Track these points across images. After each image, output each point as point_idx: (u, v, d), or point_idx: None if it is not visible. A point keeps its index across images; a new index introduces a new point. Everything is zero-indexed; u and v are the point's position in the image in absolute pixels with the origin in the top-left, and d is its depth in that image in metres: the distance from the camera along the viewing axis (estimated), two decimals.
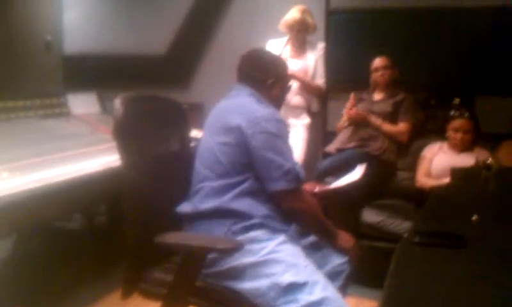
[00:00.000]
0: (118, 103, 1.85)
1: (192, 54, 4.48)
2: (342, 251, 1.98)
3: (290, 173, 1.80)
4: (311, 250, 1.95)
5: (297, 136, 3.73)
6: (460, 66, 3.67)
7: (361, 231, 3.07)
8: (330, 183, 2.43)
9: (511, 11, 3.51)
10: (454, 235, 1.38)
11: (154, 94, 2.16)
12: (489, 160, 2.29)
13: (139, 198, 1.82)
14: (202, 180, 1.90)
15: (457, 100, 3.41)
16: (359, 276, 2.14)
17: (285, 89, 2.11)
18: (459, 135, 3.20)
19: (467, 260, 1.25)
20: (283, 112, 3.40)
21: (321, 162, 3.51)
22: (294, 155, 3.51)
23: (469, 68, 3.65)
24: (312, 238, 1.99)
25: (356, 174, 2.30)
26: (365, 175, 2.55)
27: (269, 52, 2.23)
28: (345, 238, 2.00)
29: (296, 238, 1.90)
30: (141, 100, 2.04)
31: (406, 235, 1.43)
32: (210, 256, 1.73)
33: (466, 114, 3.25)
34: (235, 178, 1.82)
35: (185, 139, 2.15)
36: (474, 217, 1.54)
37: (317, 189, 2.18)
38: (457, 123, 3.23)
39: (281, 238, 1.81)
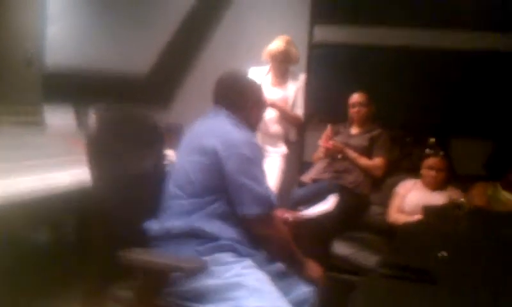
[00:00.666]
0: (92, 117, 1.83)
1: (174, 76, 4.48)
2: (308, 280, 1.96)
3: (263, 199, 1.79)
4: (277, 277, 1.91)
5: (274, 164, 3.73)
6: (436, 106, 3.73)
7: (331, 263, 3.05)
8: (302, 211, 2.42)
9: (488, 55, 3.61)
10: (421, 270, 1.37)
11: (131, 111, 2.14)
12: (462, 200, 2.32)
13: (106, 214, 1.79)
14: (172, 198, 1.87)
15: (432, 140, 3.46)
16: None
17: (261, 114, 2.11)
18: (432, 173, 3.23)
19: (433, 296, 1.24)
20: (260, 139, 3.44)
21: (296, 191, 3.50)
22: (269, 182, 3.60)
23: (445, 109, 3.71)
24: (278, 266, 1.96)
25: (328, 204, 2.30)
26: (338, 207, 2.56)
27: (245, 76, 2.23)
28: (313, 268, 1.99)
29: (262, 264, 1.87)
30: (116, 115, 2.02)
31: (374, 267, 1.41)
32: (174, 275, 1.69)
33: (441, 153, 3.29)
34: (206, 199, 1.80)
35: (159, 158, 2.12)
36: (442, 254, 1.54)
37: (288, 217, 2.17)
38: (431, 161, 3.26)
39: (247, 262, 1.79)
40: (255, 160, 1.84)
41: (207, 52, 4.35)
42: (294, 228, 2.20)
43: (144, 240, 1.87)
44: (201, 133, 1.93)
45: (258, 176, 1.83)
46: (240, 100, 2.00)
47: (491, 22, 3.60)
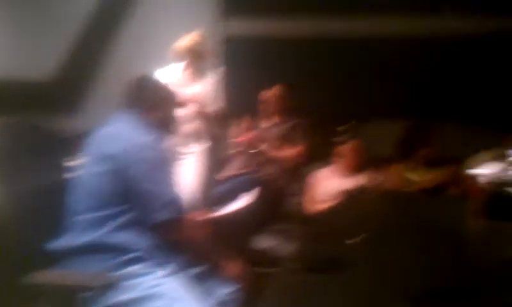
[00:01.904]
0: None
1: (81, 80, 4.29)
2: (229, 279, 1.94)
3: (171, 203, 1.75)
4: (197, 281, 1.89)
5: (192, 163, 3.68)
6: (349, 92, 3.83)
7: (254, 258, 3.06)
8: (220, 210, 2.41)
9: (395, 41, 3.75)
10: (333, 260, 1.39)
11: (30, 123, 2.03)
12: (374, 184, 2.38)
13: (7, 233, 1.68)
14: (78, 212, 1.79)
15: (346, 126, 3.55)
16: (251, 303, 2.11)
17: (168, 116, 2.05)
18: (347, 159, 3.31)
19: (344, 285, 1.26)
20: (178, 138, 3.38)
21: (216, 188, 3.48)
22: (189, 182, 3.55)
23: (357, 94, 3.82)
24: (198, 269, 1.93)
25: (245, 200, 2.29)
26: (257, 201, 2.56)
27: (152, 78, 2.17)
28: (233, 267, 1.97)
29: (180, 270, 1.84)
30: (15, 128, 1.91)
31: (286, 262, 1.41)
32: (84, 294, 1.62)
33: (354, 139, 3.38)
34: (113, 210, 1.73)
35: (62, 170, 2.02)
36: (355, 240, 1.56)
37: (203, 217, 2.14)
38: (345, 147, 3.34)
39: (163, 271, 1.74)
40: (160, 164, 1.79)
41: (116, 55, 4.21)
42: (211, 227, 2.17)
43: (51, 260, 1.77)
44: (103, 140, 1.85)
45: (165, 180, 1.78)
46: (143, 102, 1.94)
47: (391, 8, 3.74)
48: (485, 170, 2.08)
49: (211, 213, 2.28)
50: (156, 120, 1.96)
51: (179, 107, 2.17)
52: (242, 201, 2.33)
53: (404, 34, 3.77)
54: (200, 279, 1.92)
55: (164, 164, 1.82)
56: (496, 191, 1.88)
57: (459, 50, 3.74)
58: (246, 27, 3.95)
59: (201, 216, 2.15)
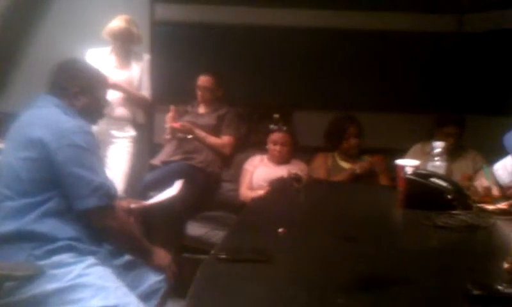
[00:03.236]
0: None
1: (5, 62, 4.06)
2: (157, 269, 1.92)
3: (101, 189, 1.70)
4: (125, 270, 1.87)
5: (122, 149, 3.60)
6: (280, 82, 3.88)
7: (185, 245, 3.06)
8: (149, 198, 2.38)
9: (328, 32, 3.83)
10: (259, 250, 1.39)
11: None
12: (299, 172, 2.42)
13: None
14: (0, 200, 1.71)
15: (276, 115, 3.59)
16: (183, 291, 2.10)
17: (96, 100, 1.98)
18: (277, 148, 3.36)
19: (270, 276, 1.27)
20: (105, 124, 3.28)
21: (146, 175, 3.43)
22: (120, 167, 3.48)
23: (288, 84, 3.87)
24: (126, 258, 1.91)
25: (174, 189, 2.27)
26: (189, 187, 2.53)
27: (80, 61, 2.09)
28: (161, 256, 1.95)
29: (107, 259, 1.81)
30: None
31: (212, 252, 1.40)
32: (8, 284, 1.56)
33: (284, 128, 3.43)
34: (38, 197, 1.67)
35: None
36: (281, 230, 1.57)
37: (133, 206, 2.11)
38: (276, 136, 3.39)
39: (90, 260, 1.70)
40: (88, 149, 1.74)
41: (41, 36, 4.01)
42: (141, 215, 2.15)
43: None
44: (28, 125, 1.77)
45: (94, 165, 1.73)
46: (69, 86, 1.87)
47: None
48: (412, 161, 2.17)
49: (142, 201, 2.25)
50: (85, 104, 1.90)
51: (108, 91, 2.10)
52: (168, 191, 2.30)
53: (331, 25, 3.86)
54: (128, 267, 1.89)
55: (94, 149, 1.77)
56: (418, 182, 1.97)
57: (390, 42, 3.87)
58: (174, 11, 3.89)
59: (132, 204, 2.12)
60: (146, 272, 1.91)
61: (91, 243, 1.74)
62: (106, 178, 1.77)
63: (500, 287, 1.15)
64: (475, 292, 1.13)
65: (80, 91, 1.89)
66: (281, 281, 1.24)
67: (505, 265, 1.25)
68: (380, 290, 1.21)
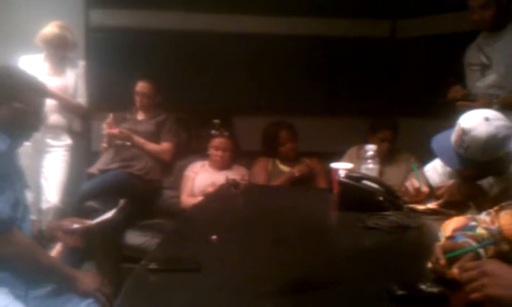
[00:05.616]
0: None
1: None
2: (84, 295, 1.71)
3: None
4: (51, 298, 1.70)
5: (58, 158, 3.51)
6: (218, 88, 3.88)
7: (125, 254, 3.00)
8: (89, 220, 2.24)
9: (263, 38, 3.87)
10: (190, 259, 1.38)
11: None
12: (237, 178, 2.43)
13: None
14: None
15: (217, 120, 3.58)
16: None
17: (18, 110, 1.78)
18: (219, 153, 3.34)
19: (200, 285, 1.25)
20: (40, 132, 3.15)
21: (83, 184, 3.34)
22: (55, 178, 3.37)
23: (226, 90, 3.88)
24: (46, 289, 1.72)
25: (112, 211, 2.16)
26: (128, 196, 2.42)
27: (9, 67, 1.94)
28: (87, 281, 1.74)
29: (26, 292, 1.65)
30: None
31: (141, 263, 1.38)
32: None
33: (226, 133, 3.42)
34: None
35: None
36: (214, 237, 1.56)
37: (75, 226, 1.98)
38: (217, 141, 3.37)
39: (3, 294, 1.56)
40: None
41: None
42: (83, 235, 2.02)
43: None
44: None
45: None
46: (12, 93, 1.75)
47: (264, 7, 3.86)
48: (346, 164, 2.22)
49: (85, 221, 2.12)
50: (6, 115, 1.75)
51: (43, 99, 1.96)
52: (108, 214, 2.18)
53: (267, 30, 3.91)
54: (54, 295, 1.72)
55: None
56: (350, 184, 2.02)
57: (326, 46, 3.95)
58: (109, 17, 3.83)
59: (75, 224, 1.99)
60: (73, 297, 1.71)
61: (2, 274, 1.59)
62: (2, 201, 1.59)
63: (423, 286, 1.18)
64: (399, 292, 1.16)
65: (22, 99, 1.76)
66: (210, 290, 1.23)
67: (429, 265, 1.30)
68: (306, 293, 1.22)
